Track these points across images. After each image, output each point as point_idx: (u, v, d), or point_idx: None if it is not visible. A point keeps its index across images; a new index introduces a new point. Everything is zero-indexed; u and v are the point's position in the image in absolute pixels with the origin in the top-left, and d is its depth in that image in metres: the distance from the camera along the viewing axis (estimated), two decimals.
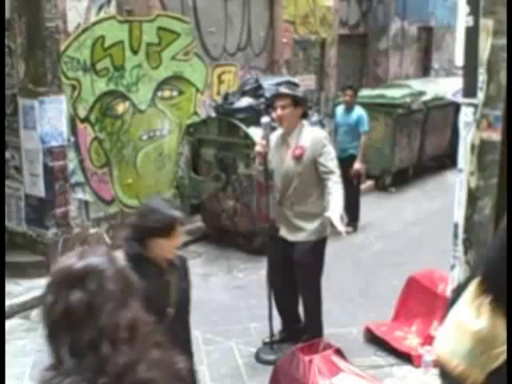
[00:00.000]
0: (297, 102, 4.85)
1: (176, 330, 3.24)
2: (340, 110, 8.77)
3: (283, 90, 5.06)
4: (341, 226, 4.47)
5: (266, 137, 4.88)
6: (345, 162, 8.02)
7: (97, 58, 7.01)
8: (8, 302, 5.85)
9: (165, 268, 3.15)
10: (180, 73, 8.14)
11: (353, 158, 8.32)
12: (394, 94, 10.62)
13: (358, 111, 8.51)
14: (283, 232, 4.95)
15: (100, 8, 6.99)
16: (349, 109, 8.53)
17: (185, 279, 3.41)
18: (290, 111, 4.81)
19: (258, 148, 4.94)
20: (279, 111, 4.82)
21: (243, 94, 7.66)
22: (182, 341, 3.30)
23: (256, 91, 7.56)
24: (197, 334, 5.52)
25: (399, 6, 13.38)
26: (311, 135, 4.81)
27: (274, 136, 4.99)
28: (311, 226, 4.80)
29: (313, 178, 4.76)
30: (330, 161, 4.73)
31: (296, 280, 5.00)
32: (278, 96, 4.95)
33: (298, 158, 4.77)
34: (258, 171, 5.21)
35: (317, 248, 4.87)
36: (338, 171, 4.75)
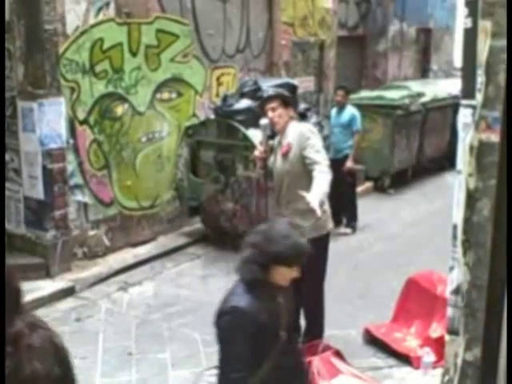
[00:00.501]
0: (287, 102, 4.88)
1: (290, 354, 3.07)
2: (333, 111, 8.82)
3: (270, 92, 5.11)
4: (317, 209, 4.35)
5: (265, 139, 4.89)
6: (340, 162, 8.09)
7: (96, 61, 7.01)
8: None
9: (276, 290, 3.01)
10: (179, 75, 8.14)
11: (348, 157, 8.36)
12: (392, 95, 10.64)
13: (350, 110, 8.55)
14: None
15: (99, 10, 7.00)
16: (341, 109, 8.57)
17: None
18: (281, 112, 4.83)
19: (256, 153, 4.97)
20: (270, 113, 4.84)
21: (242, 95, 7.68)
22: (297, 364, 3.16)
23: (255, 93, 7.57)
24: (196, 336, 5.53)
25: (398, 8, 13.40)
26: (296, 130, 4.79)
27: (276, 139, 5.01)
28: (308, 222, 4.78)
29: (302, 174, 4.70)
30: (314, 152, 4.65)
31: (298, 281, 4.99)
32: (268, 99, 4.98)
33: (285, 156, 4.78)
34: (259, 174, 5.24)
35: (318, 247, 4.85)
36: (324, 162, 4.64)
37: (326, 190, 4.51)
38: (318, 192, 4.45)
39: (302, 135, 4.73)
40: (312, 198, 4.39)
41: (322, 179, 4.53)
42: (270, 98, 4.96)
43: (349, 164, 8.27)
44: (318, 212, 4.38)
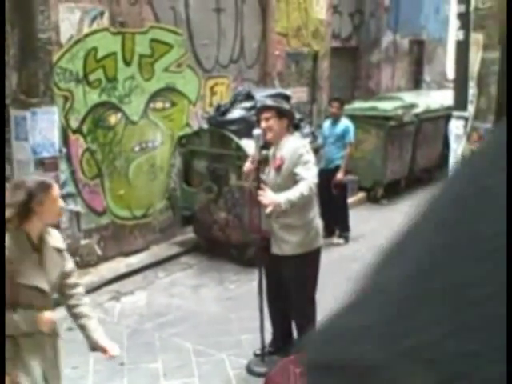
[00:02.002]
0: (281, 113, 4.88)
1: None
2: (327, 122, 8.84)
3: (267, 102, 5.10)
4: (269, 206, 4.53)
5: (257, 149, 4.90)
6: (331, 172, 8.16)
7: (89, 70, 7.02)
8: None
9: None
10: (173, 84, 8.16)
11: (339, 168, 8.40)
12: (385, 106, 10.67)
13: (345, 122, 8.57)
14: (272, 246, 4.93)
15: (93, 20, 7.01)
16: (335, 120, 8.59)
17: None
18: (274, 123, 4.83)
19: (246, 165, 4.98)
20: (263, 123, 4.85)
21: (235, 105, 7.68)
22: None
23: (248, 103, 7.58)
24: (188, 346, 5.52)
25: (391, 20, 13.47)
26: (291, 146, 4.81)
27: (271, 150, 5.01)
28: (295, 238, 4.79)
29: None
30: (305, 170, 4.67)
31: (288, 293, 5.00)
32: (262, 109, 4.99)
33: (277, 170, 4.79)
34: (252, 186, 5.25)
35: (306, 262, 4.84)
36: (311, 179, 4.65)
37: (293, 200, 4.55)
38: (283, 195, 4.55)
39: (295, 152, 4.74)
40: (270, 194, 4.49)
41: (296, 190, 4.58)
42: (264, 109, 4.96)
43: (339, 176, 8.28)
44: (269, 209, 4.53)
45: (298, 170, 4.68)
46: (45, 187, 3.21)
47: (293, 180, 4.70)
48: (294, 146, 4.80)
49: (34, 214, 3.17)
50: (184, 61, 8.29)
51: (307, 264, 4.86)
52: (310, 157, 4.78)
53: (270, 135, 4.86)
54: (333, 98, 9.14)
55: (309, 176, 4.65)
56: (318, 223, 4.95)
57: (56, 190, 3.29)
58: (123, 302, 6.59)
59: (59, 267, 3.39)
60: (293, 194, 4.56)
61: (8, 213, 3.13)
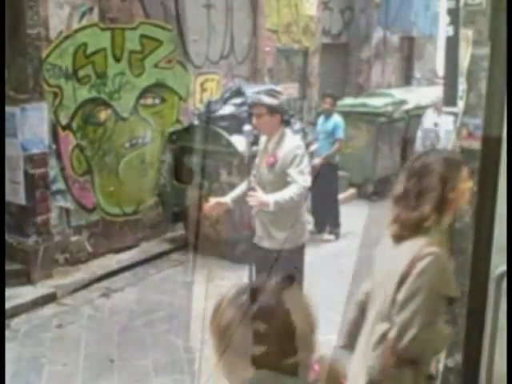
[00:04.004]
0: (272, 110, 4.86)
1: None
2: (321, 118, 8.86)
3: (258, 98, 5.08)
4: (254, 201, 4.50)
5: (248, 145, 4.90)
6: (322, 168, 8.14)
7: (79, 66, 6.98)
8: None
9: None
10: (163, 80, 8.13)
11: (331, 164, 8.39)
12: (376, 102, 10.69)
13: (336, 119, 8.58)
14: (261, 239, 4.90)
15: (82, 15, 6.97)
16: (328, 116, 8.60)
17: None
18: (266, 120, 4.81)
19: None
20: (255, 120, 4.84)
21: (226, 102, 7.67)
22: None
23: (239, 99, 7.58)
24: (178, 343, 5.51)
25: (381, 16, 13.48)
26: (287, 145, 4.78)
27: (262, 140, 4.99)
28: (284, 234, 4.78)
29: (285, 187, 4.67)
30: (297, 173, 4.65)
31: None
32: (252, 105, 4.98)
33: (270, 166, 4.77)
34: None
35: (292, 259, 4.84)
36: (303, 183, 4.63)
37: (282, 203, 4.53)
38: (272, 196, 4.53)
39: (291, 152, 4.70)
40: (259, 194, 4.47)
41: (286, 194, 4.57)
42: (256, 105, 4.94)
43: (316, 161, 8.08)
44: (252, 202, 4.49)
45: (291, 171, 4.66)
46: (456, 166, 2.62)
47: (285, 178, 4.69)
48: (290, 145, 4.76)
49: (449, 204, 2.58)
50: (174, 57, 8.26)
51: (294, 261, 4.85)
52: (305, 160, 4.77)
53: (263, 131, 4.87)
54: (326, 93, 9.10)
55: (301, 180, 4.63)
56: (305, 220, 4.96)
57: (465, 169, 2.66)
58: (114, 298, 6.57)
59: None
60: (282, 196, 4.54)
61: (425, 208, 2.58)
